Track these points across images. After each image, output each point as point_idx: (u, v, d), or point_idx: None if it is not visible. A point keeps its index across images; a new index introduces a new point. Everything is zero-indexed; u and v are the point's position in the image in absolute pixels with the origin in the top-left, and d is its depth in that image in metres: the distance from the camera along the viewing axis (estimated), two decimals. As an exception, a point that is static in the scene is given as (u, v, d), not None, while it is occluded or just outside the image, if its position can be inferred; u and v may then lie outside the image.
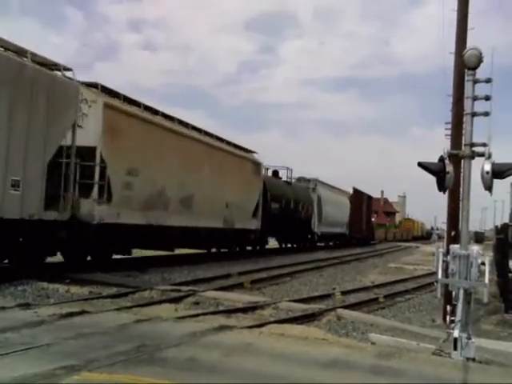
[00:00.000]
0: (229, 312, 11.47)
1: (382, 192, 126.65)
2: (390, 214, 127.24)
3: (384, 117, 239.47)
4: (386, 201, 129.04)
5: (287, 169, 38.79)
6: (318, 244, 45.91)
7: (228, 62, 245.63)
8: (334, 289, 17.58)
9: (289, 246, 40.59)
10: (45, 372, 5.70)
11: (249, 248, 31.37)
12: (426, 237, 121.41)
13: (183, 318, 10.06)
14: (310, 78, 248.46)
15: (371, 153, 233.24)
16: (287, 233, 38.01)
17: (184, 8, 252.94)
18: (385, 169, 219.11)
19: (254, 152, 31.07)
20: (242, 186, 27.94)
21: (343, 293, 16.48)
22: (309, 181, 43.21)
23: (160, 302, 12.08)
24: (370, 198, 63.67)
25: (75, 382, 5.52)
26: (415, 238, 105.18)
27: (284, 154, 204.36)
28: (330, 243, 50.61)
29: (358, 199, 56.05)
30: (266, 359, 6.99)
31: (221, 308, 12.17)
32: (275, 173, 37.15)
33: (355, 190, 55.50)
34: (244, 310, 11.95)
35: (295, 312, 12.07)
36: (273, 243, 38.59)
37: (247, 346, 7.66)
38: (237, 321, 10.39)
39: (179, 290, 13.91)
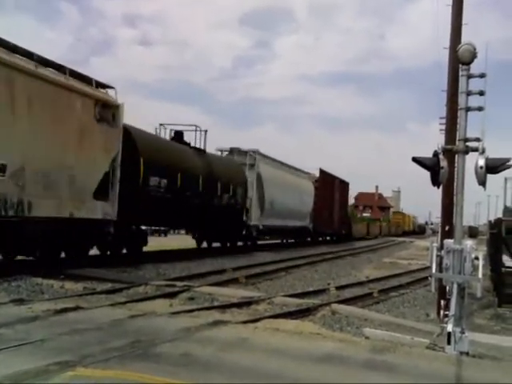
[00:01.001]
0: (224, 307, 11.47)
1: (377, 187, 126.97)
2: (385, 208, 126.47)
3: (380, 112, 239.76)
4: (380, 196, 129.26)
5: (199, 130, 25.88)
6: (262, 242, 35.38)
7: (223, 57, 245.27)
8: (328, 284, 17.61)
9: (216, 245, 29.79)
10: (39, 368, 5.69)
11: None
12: (418, 231, 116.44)
13: (178, 313, 10.06)
14: (305, 73, 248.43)
15: (367, 148, 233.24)
16: (198, 226, 26.80)
17: (179, 3, 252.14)
18: (380, 164, 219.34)
19: (108, 87, 18.10)
20: (72, 143, 15.78)
21: (338, 288, 16.51)
22: (245, 153, 30.30)
23: (155, 298, 12.08)
24: (344, 183, 51.99)
25: (70, 378, 5.52)
26: (406, 233, 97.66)
27: (279, 149, 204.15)
28: (282, 240, 41.41)
29: (328, 184, 45.35)
30: (261, 354, 7.00)
31: (216, 303, 12.17)
32: (178, 135, 25.19)
33: (323, 173, 43.88)
34: (239, 305, 11.95)
35: (290, 307, 12.09)
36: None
37: (242, 341, 7.67)
38: (232, 316, 10.40)
39: (174, 286, 13.91)
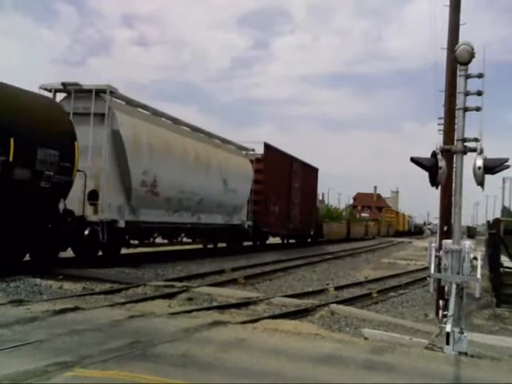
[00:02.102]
0: (222, 308, 11.47)
1: (375, 187, 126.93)
2: (383, 208, 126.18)
3: (378, 113, 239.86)
4: (379, 196, 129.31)
5: None
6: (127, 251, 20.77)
7: (221, 57, 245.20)
8: (327, 284, 17.62)
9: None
10: (38, 368, 5.69)
11: None
12: (414, 232, 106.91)
13: (177, 313, 10.05)
14: (303, 73, 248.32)
15: (365, 149, 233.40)
16: None
17: (176, 3, 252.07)
18: (378, 164, 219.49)
19: None
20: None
21: (336, 288, 16.53)
22: (89, 95, 17.59)
23: (153, 298, 12.07)
24: (310, 168, 39.67)
25: (68, 379, 5.52)
26: (400, 234, 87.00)
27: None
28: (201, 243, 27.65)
29: (281, 167, 32.63)
30: (260, 355, 7.00)
31: (214, 304, 12.17)
32: None
33: (271, 150, 31.16)
34: (237, 306, 11.95)
35: (288, 307, 12.09)
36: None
37: (241, 342, 7.67)
38: (230, 316, 10.40)
39: (173, 286, 13.91)
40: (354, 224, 64.20)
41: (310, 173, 40.00)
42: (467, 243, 8.61)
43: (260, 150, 30.75)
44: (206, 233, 26.04)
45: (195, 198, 22.94)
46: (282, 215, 33.35)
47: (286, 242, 39.57)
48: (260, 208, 30.14)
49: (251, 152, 30.44)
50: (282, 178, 33.38)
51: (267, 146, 31.02)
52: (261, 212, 30.21)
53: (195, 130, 24.58)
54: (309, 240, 42.88)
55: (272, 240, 36.55)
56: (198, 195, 23.07)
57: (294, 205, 35.79)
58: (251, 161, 29.64)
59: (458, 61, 8.70)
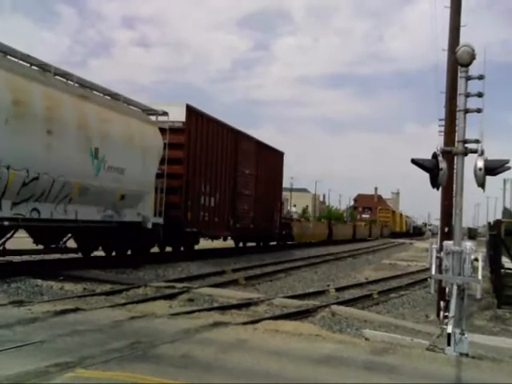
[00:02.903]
0: (223, 308, 11.47)
1: (376, 189, 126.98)
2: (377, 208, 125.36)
3: (379, 114, 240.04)
4: (379, 197, 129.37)
5: None
6: None
7: (222, 59, 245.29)
8: (328, 285, 17.61)
9: None
10: (38, 369, 5.69)
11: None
12: (412, 233, 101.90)
13: (177, 314, 10.05)
14: (304, 75, 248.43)
15: (366, 150, 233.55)
16: None
17: (178, 5, 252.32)
18: (379, 166, 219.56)
19: None
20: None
21: (337, 289, 16.52)
22: None
23: (154, 299, 12.07)
24: (269, 150, 31.51)
25: (69, 379, 5.52)
26: (397, 235, 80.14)
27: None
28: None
29: (216, 142, 24.21)
30: (261, 356, 7.00)
31: (215, 304, 12.17)
32: None
33: (196, 115, 22.32)
34: (238, 307, 11.95)
35: (289, 308, 12.09)
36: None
37: (242, 343, 7.68)
38: (231, 317, 10.40)
39: (173, 287, 13.91)
40: (337, 225, 57.47)
41: (270, 156, 31.14)
42: (468, 244, 8.60)
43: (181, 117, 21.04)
44: (61, 234, 17.02)
45: (22, 175, 13.36)
46: (222, 210, 24.85)
47: (243, 245, 31.83)
48: (179, 199, 20.90)
49: (162, 118, 20.01)
50: (221, 158, 24.61)
51: (192, 111, 21.50)
52: (181, 205, 20.98)
53: (56, 73, 15.38)
54: (275, 243, 35.85)
55: (215, 244, 28.84)
56: (31, 171, 13.60)
57: (244, 197, 27.29)
58: (162, 130, 19.65)
59: (458, 62, 8.70)
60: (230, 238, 29.24)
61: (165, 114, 19.99)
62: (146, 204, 19.06)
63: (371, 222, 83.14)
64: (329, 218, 63.94)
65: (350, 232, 58.98)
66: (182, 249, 23.42)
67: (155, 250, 22.22)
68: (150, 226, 19.05)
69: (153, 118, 20.01)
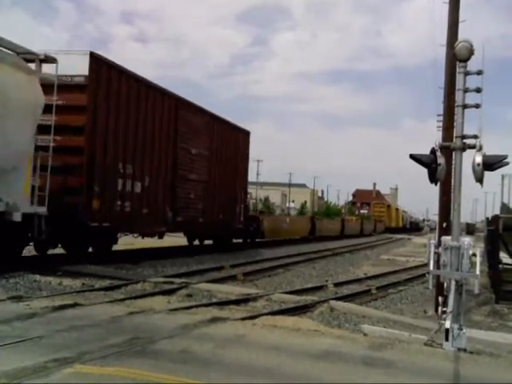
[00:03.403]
0: (222, 304, 11.48)
1: (374, 184, 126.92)
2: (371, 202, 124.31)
3: (377, 109, 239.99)
4: (378, 193, 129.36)
5: None
6: None
7: (220, 54, 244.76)
8: (326, 280, 17.63)
9: None
10: (37, 365, 5.69)
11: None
12: (409, 228, 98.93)
13: (176, 310, 10.06)
14: (302, 70, 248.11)
15: (364, 146, 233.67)
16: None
17: (175, 0, 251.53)
18: (378, 161, 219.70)
19: None
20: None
21: (336, 284, 16.54)
22: None
23: (153, 295, 12.07)
24: (227, 126, 26.11)
25: (68, 375, 5.53)
26: (392, 231, 76.85)
27: (276, 146, 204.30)
28: None
29: (142, 107, 18.38)
30: (259, 351, 7.01)
31: (214, 300, 12.18)
32: None
33: (105, 67, 16.45)
34: (237, 302, 11.96)
35: (288, 304, 12.11)
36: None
37: (240, 338, 7.69)
38: (230, 313, 10.41)
39: (172, 282, 13.91)
40: (322, 219, 51.71)
41: (230, 135, 25.96)
42: (466, 240, 8.62)
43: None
44: None
45: None
46: (154, 199, 19.33)
47: (199, 243, 27.25)
48: (79, 181, 15.50)
49: (48, 70, 14.24)
50: (153, 131, 19.14)
51: (100, 63, 16.27)
52: (82, 190, 15.61)
53: None
54: (240, 240, 30.51)
55: (162, 242, 23.26)
56: None
57: (190, 183, 21.65)
58: (42, 85, 13.97)
59: (457, 58, 8.70)
60: (175, 234, 24.50)
61: (51, 60, 14.02)
62: (11, 186, 13.18)
63: (363, 216, 78.27)
64: (314, 212, 59.04)
65: (338, 227, 53.51)
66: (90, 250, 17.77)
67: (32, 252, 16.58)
68: (18, 217, 13.15)
69: (34, 66, 14.04)
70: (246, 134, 28.78)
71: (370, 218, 78.54)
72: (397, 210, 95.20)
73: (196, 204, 22.66)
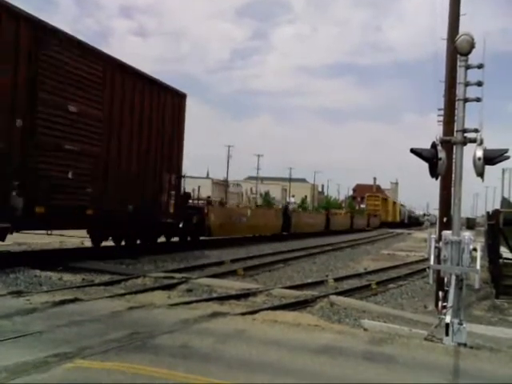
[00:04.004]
0: (222, 299, 11.49)
1: (375, 179, 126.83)
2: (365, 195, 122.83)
3: (378, 103, 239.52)
4: (378, 187, 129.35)
5: None
6: None
7: (220, 48, 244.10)
8: (326, 275, 17.64)
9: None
10: (37, 360, 5.70)
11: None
12: (408, 223, 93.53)
13: (176, 305, 10.07)
14: (303, 64, 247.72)
15: (365, 140, 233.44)
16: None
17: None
18: (378, 155, 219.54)
19: None
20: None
21: (336, 279, 16.55)
22: None
23: (153, 290, 12.07)
24: (135, 76, 18.49)
25: (68, 370, 5.53)
26: (389, 225, 71.41)
27: (277, 140, 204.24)
28: None
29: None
30: (259, 346, 7.01)
31: (214, 295, 12.19)
32: None
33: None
34: (237, 297, 11.98)
35: (288, 299, 12.12)
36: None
37: (240, 333, 7.68)
38: (230, 308, 10.42)
39: (172, 277, 13.92)
40: (299, 213, 44.76)
41: (149, 94, 19.44)
42: (467, 234, 8.61)
43: None
44: None
45: None
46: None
47: (126, 243, 20.29)
48: None
49: None
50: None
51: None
52: None
53: None
54: (175, 239, 23.77)
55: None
56: None
57: (64, 155, 15.01)
58: None
59: (458, 51, 8.66)
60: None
61: None
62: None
63: (353, 210, 72.35)
64: (286, 203, 50.16)
65: (321, 222, 46.80)
66: None
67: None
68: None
69: None
70: (179, 97, 21.82)
71: (362, 211, 74.01)
72: (394, 203, 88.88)
73: (79, 188, 15.69)
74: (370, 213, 71.54)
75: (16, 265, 13.36)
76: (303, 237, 37.45)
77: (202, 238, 26.22)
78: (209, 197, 35.68)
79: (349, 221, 57.60)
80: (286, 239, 34.87)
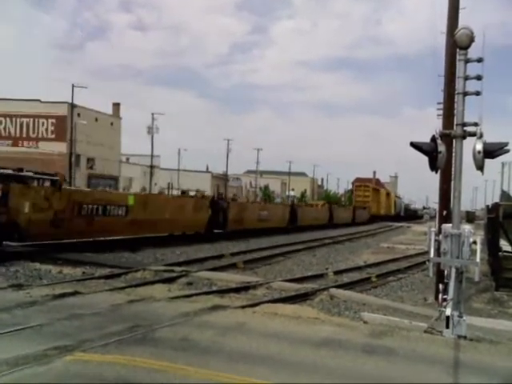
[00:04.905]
0: (222, 292, 11.50)
1: (374, 172, 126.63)
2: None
3: (377, 97, 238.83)
4: (377, 181, 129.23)
5: None
6: None
7: (220, 42, 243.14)
8: (326, 268, 17.65)
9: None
10: (37, 352, 5.71)
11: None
12: (404, 216, 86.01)
13: (176, 298, 10.08)
14: (302, 59, 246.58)
15: (365, 134, 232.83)
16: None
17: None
18: (378, 149, 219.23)
19: None
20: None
21: (336, 272, 16.56)
22: None
23: (153, 283, 12.09)
24: None
25: (68, 363, 5.54)
26: (382, 219, 64.68)
27: (276, 135, 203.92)
28: None
29: None
30: (259, 339, 7.02)
31: (214, 288, 12.20)
32: None
33: None
34: (237, 290, 11.99)
35: (288, 292, 12.13)
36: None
37: (240, 326, 7.70)
38: (230, 301, 10.43)
39: (172, 271, 13.94)
40: (237, 204, 32.70)
41: None
42: (466, 227, 8.61)
43: None
44: None
45: None
46: None
47: None
48: None
49: None
50: None
51: None
52: None
53: None
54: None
55: None
56: None
57: None
58: None
59: (457, 45, 8.63)
60: None
61: None
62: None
63: (331, 200, 63.73)
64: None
65: (282, 216, 37.25)
66: None
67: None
68: None
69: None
70: None
71: (344, 203, 68.12)
72: (388, 194, 78.79)
73: None
74: (357, 205, 62.97)
75: (16, 258, 13.37)
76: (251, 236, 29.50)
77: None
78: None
79: (327, 214, 47.47)
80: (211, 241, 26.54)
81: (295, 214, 39.17)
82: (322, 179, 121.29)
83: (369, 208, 63.06)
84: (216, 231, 27.64)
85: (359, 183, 72.79)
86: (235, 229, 29.19)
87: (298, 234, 33.07)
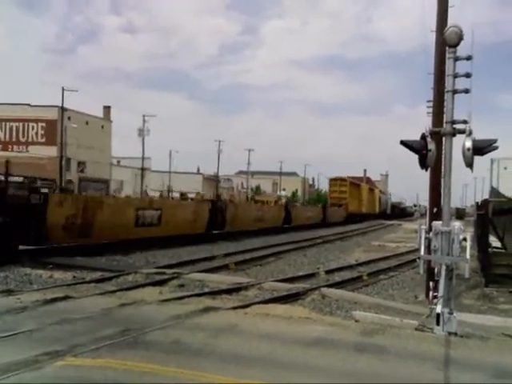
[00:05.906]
0: (214, 294, 11.49)
1: (365, 171, 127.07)
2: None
3: (369, 96, 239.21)
4: (368, 179, 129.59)
5: None
6: None
7: (210, 43, 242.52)
8: (318, 268, 17.66)
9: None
10: (29, 358, 5.67)
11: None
12: (391, 214, 79.64)
13: (168, 300, 10.06)
14: (293, 58, 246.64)
15: (355, 133, 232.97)
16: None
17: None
18: (369, 148, 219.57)
19: None
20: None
21: (327, 272, 16.58)
22: None
23: (144, 286, 12.06)
24: None
25: (59, 368, 5.51)
26: (363, 218, 58.82)
27: (267, 135, 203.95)
28: None
29: None
30: (251, 340, 7.02)
31: (206, 290, 12.18)
32: None
33: None
34: (229, 292, 11.98)
35: (279, 292, 12.13)
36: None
37: (232, 327, 7.69)
38: (222, 302, 10.42)
39: (163, 273, 13.89)
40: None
41: None
42: (456, 224, 8.65)
43: None
44: None
45: None
46: None
47: None
48: None
49: None
50: None
51: None
52: None
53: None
54: None
55: None
56: None
57: None
58: None
59: (446, 43, 8.68)
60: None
61: None
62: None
63: (292, 199, 56.56)
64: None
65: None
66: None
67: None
68: None
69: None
70: None
71: (315, 201, 61.00)
72: (371, 189, 71.25)
73: None
74: (332, 202, 56.41)
75: (6, 263, 13.28)
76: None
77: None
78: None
79: (281, 214, 39.61)
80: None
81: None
82: (313, 179, 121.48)
83: (346, 205, 56.02)
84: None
85: (334, 178, 63.20)
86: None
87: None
